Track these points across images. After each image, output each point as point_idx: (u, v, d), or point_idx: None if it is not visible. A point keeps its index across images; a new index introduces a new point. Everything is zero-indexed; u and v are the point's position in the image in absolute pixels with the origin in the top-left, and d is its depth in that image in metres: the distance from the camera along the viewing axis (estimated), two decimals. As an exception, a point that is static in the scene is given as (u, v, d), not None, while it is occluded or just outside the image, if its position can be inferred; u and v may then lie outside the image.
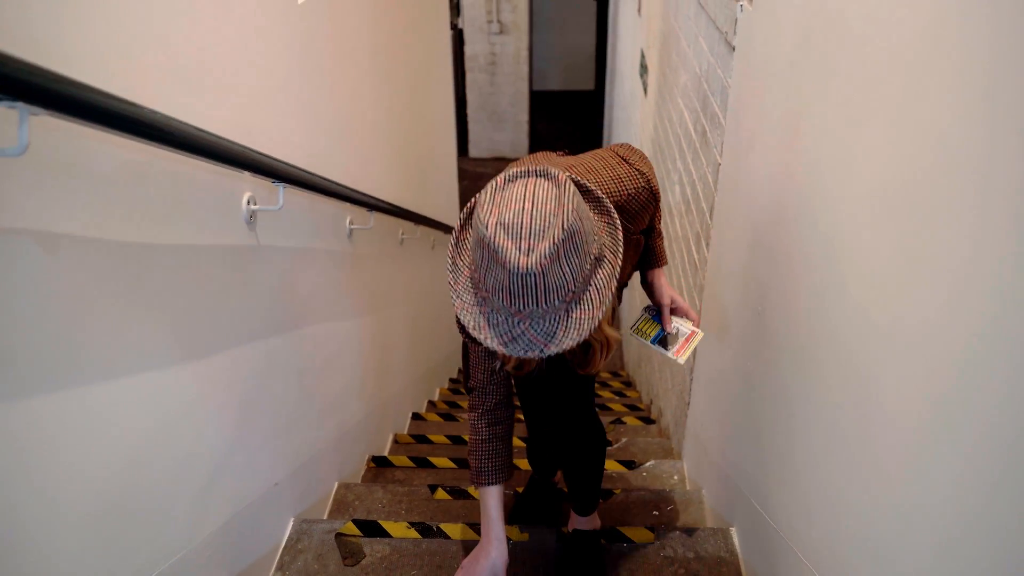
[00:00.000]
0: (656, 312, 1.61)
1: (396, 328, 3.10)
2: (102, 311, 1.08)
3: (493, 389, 1.41)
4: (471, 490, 2.25)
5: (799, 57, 1.36)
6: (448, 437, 3.03)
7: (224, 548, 1.51)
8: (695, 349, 1.59)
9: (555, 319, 1.01)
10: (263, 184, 1.60)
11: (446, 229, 3.86)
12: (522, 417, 1.81)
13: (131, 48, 1.12)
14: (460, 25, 8.32)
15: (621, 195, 1.33)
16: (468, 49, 8.39)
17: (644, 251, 1.58)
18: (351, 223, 2.33)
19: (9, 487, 0.92)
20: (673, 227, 3.00)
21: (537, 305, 0.99)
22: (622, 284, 1.52)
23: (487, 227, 0.97)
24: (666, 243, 2.49)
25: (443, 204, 4.62)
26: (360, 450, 2.55)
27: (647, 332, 1.60)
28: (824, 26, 1.23)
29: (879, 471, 0.99)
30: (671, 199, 3.08)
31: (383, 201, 2.53)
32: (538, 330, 1.01)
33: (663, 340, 1.58)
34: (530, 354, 1.03)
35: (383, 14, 2.92)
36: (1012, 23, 0.71)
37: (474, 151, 8.80)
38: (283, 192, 1.60)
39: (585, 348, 1.29)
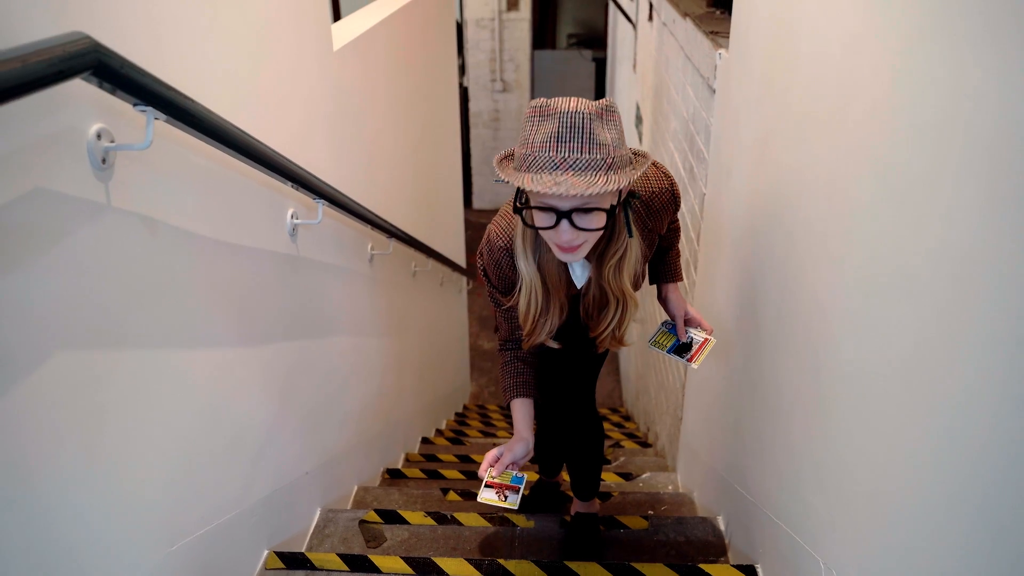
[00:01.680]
0: (672, 325, 1.72)
1: (408, 355, 3.31)
2: (184, 292, 1.30)
3: (513, 330, 1.60)
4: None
5: (764, 93, 1.62)
6: (457, 456, 3.21)
7: (266, 518, 1.70)
8: (708, 354, 1.71)
9: (594, 173, 1.13)
10: (304, 202, 1.85)
11: (454, 267, 4.10)
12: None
13: (205, 82, 1.37)
14: (465, 83, 8.72)
15: (646, 190, 1.45)
16: (473, 106, 8.78)
17: (661, 266, 1.71)
18: (372, 248, 2.57)
19: (108, 434, 1.12)
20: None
21: (581, 152, 1.13)
22: (640, 273, 1.55)
23: (539, 99, 1.17)
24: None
25: (451, 247, 4.88)
26: (375, 461, 2.74)
27: (663, 344, 1.72)
28: (782, 68, 1.49)
29: (829, 422, 1.20)
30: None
31: (401, 230, 2.77)
32: (579, 178, 1.13)
33: (679, 349, 1.70)
34: (572, 192, 1.12)
35: (403, 70, 3.22)
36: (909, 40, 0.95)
37: (478, 203, 9.12)
38: (321, 209, 1.85)
39: (602, 306, 1.44)
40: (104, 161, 1.04)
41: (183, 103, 1.10)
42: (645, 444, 3.52)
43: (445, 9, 4.52)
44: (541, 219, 1.23)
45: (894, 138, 0.96)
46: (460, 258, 5.23)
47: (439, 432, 4.00)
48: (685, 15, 2.86)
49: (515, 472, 1.50)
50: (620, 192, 1.28)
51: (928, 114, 0.86)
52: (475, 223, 8.45)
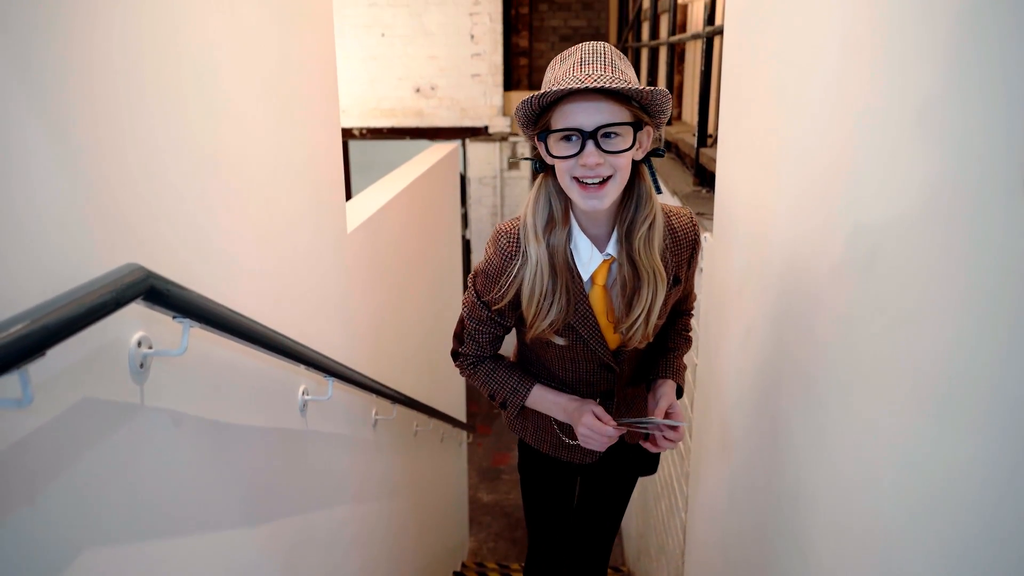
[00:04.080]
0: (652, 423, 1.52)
1: (408, 516, 3.31)
2: (199, 474, 1.37)
3: (489, 345, 1.53)
4: None
5: (744, 284, 1.76)
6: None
7: None
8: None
9: (615, 84, 1.19)
10: (314, 377, 1.95)
11: (454, 423, 4.15)
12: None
13: (236, 276, 1.51)
14: (468, 236, 9.07)
15: (669, 224, 1.42)
16: (475, 258, 9.09)
17: (662, 361, 1.60)
18: (376, 413, 2.65)
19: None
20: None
21: (604, 71, 1.19)
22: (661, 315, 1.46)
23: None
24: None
25: (452, 402, 4.94)
26: (372, 632, 2.69)
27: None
28: (759, 260, 1.63)
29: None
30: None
31: (405, 395, 2.86)
32: (603, 79, 1.18)
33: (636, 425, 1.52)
34: (598, 82, 1.16)
35: (411, 240, 3.42)
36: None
37: (478, 351, 9.23)
38: (332, 385, 1.94)
39: (635, 288, 1.36)
40: (142, 366, 1.15)
41: (217, 311, 1.22)
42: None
43: (450, 172, 4.82)
44: (564, 148, 1.23)
45: (869, 328, 1.07)
46: (460, 412, 5.28)
47: (437, 595, 3.91)
48: (673, 192, 3.07)
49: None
50: (638, 140, 1.27)
51: (911, 304, 0.96)
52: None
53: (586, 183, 1.24)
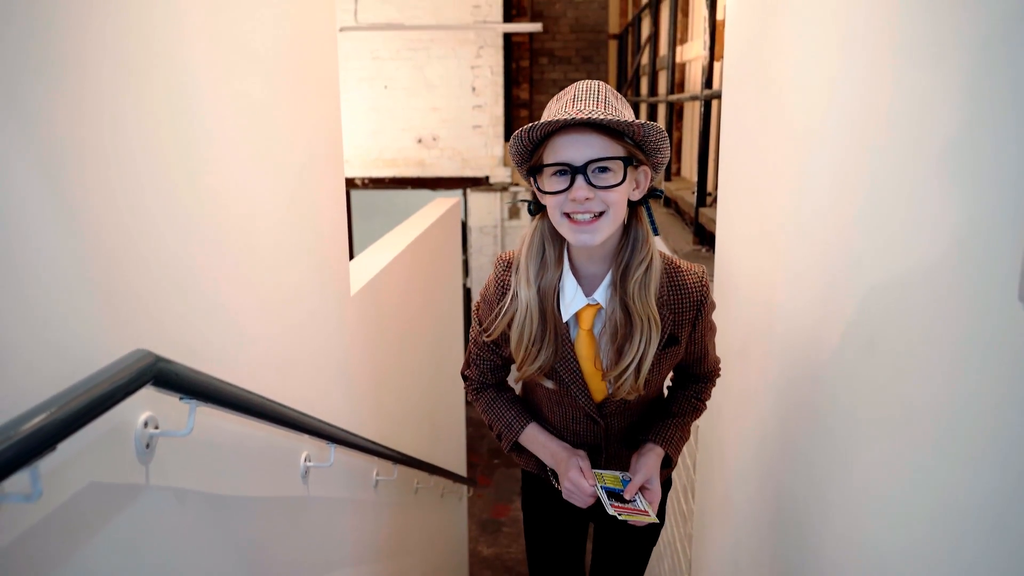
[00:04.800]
0: (628, 479, 1.43)
1: (408, 574, 3.26)
2: (203, 547, 1.37)
3: (491, 373, 1.52)
4: None
5: (745, 344, 1.77)
6: None
7: None
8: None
9: (604, 117, 1.18)
10: (316, 443, 1.94)
11: (455, 478, 4.12)
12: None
13: (241, 346, 1.52)
14: (468, 284, 9.10)
15: (676, 279, 1.36)
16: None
17: (659, 423, 1.50)
18: (377, 474, 2.63)
19: None
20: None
21: (597, 107, 1.19)
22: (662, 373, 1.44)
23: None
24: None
25: (452, 458, 4.91)
26: None
27: (606, 479, 1.43)
28: (761, 326, 1.64)
29: None
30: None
31: (406, 455, 2.85)
32: (593, 115, 1.17)
33: (614, 495, 1.40)
34: (589, 114, 1.17)
35: (413, 298, 3.44)
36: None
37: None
38: (334, 452, 1.94)
39: (626, 335, 1.31)
40: (148, 446, 1.15)
41: (223, 390, 1.23)
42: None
43: (452, 225, 4.86)
44: (555, 183, 1.22)
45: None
46: (461, 464, 5.25)
47: (436, 656, 3.83)
48: (674, 251, 3.10)
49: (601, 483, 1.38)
50: (635, 180, 1.26)
51: (911, 388, 0.98)
52: (475, 420, 8.48)
53: (576, 219, 1.22)
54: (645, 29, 5.68)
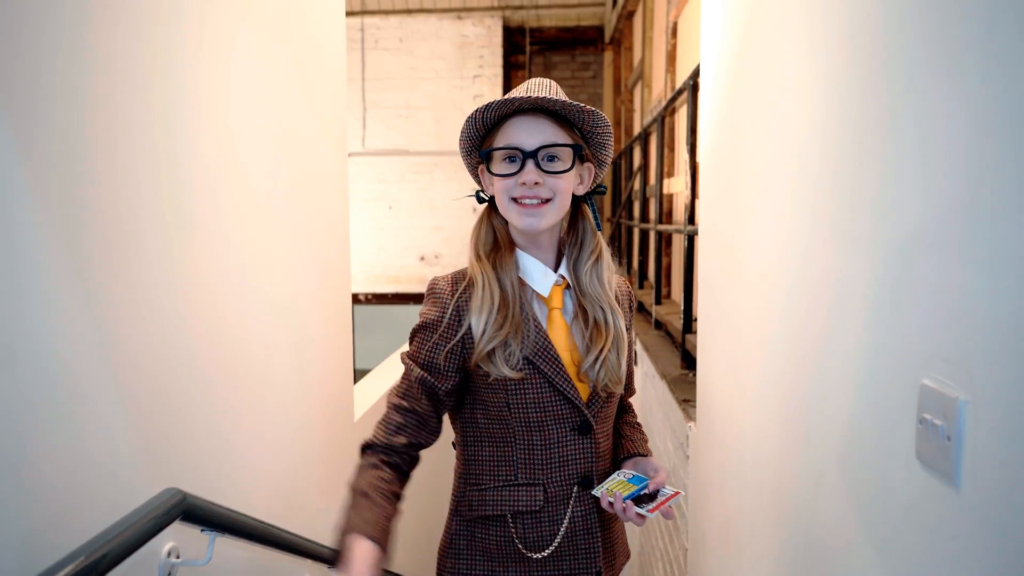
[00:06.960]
0: (631, 476, 1.40)
1: None
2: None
3: (405, 431, 1.30)
4: None
5: (723, 475, 1.88)
6: None
7: None
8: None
9: (555, 99, 1.24)
10: (319, 567, 2.03)
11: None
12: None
13: (255, 479, 1.65)
14: (467, 398, 9.17)
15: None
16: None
17: (628, 443, 1.48)
18: (375, 597, 2.68)
19: None
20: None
21: (548, 93, 1.25)
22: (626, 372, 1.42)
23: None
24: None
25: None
26: None
27: (620, 491, 1.39)
28: (734, 457, 1.76)
29: None
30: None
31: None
32: (547, 99, 1.23)
33: (639, 499, 1.38)
34: (539, 94, 1.24)
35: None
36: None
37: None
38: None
39: (594, 332, 1.33)
40: (169, 575, 1.27)
41: (242, 522, 1.36)
42: None
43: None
44: (506, 167, 1.27)
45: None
46: None
47: None
48: (662, 375, 3.24)
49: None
50: (580, 176, 1.33)
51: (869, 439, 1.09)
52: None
53: (524, 203, 1.27)
54: (636, 158, 6.03)
